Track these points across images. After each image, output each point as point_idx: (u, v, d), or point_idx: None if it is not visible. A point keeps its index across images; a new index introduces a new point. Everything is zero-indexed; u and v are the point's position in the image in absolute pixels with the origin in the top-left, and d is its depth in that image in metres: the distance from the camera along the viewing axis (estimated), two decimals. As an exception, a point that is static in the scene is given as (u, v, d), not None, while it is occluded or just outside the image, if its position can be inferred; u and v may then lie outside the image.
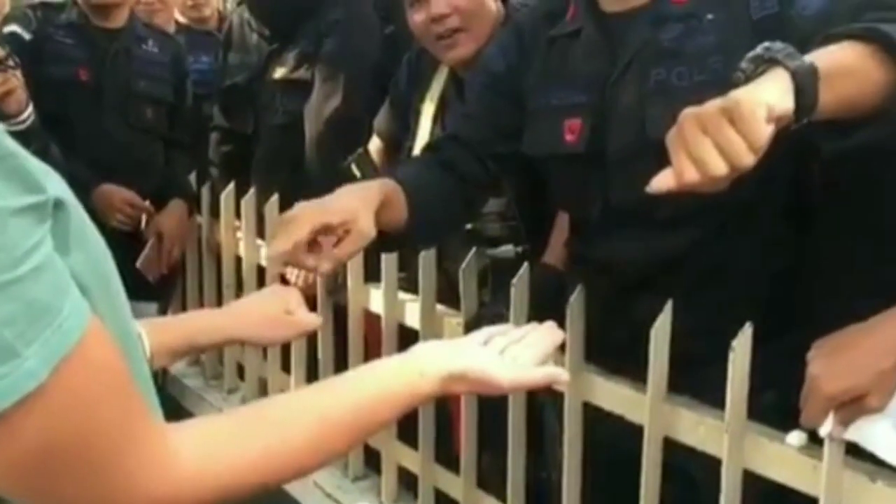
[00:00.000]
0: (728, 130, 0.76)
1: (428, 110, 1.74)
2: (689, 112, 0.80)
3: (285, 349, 1.85)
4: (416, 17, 1.63)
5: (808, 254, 1.16)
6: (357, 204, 1.07)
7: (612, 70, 1.15)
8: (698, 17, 1.10)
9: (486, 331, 0.89)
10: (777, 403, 1.08)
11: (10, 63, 1.61)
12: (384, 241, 1.20)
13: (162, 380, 2.17)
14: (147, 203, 2.18)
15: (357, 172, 1.80)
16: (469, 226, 1.61)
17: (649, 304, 1.11)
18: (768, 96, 0.78)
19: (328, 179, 1.86)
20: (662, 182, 0.81)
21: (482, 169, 1.30)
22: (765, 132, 0.76)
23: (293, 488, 1.70)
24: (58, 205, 0.50)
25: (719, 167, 0.76)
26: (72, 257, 0.51)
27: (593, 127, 1.15)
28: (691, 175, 0.78)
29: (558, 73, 1.22)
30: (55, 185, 0.51)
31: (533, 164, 1.28)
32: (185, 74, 2.33)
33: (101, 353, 0.51)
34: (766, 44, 0.84)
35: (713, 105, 0.78)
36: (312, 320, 1.14)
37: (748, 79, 0.83)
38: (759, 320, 1.04)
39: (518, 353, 0.85)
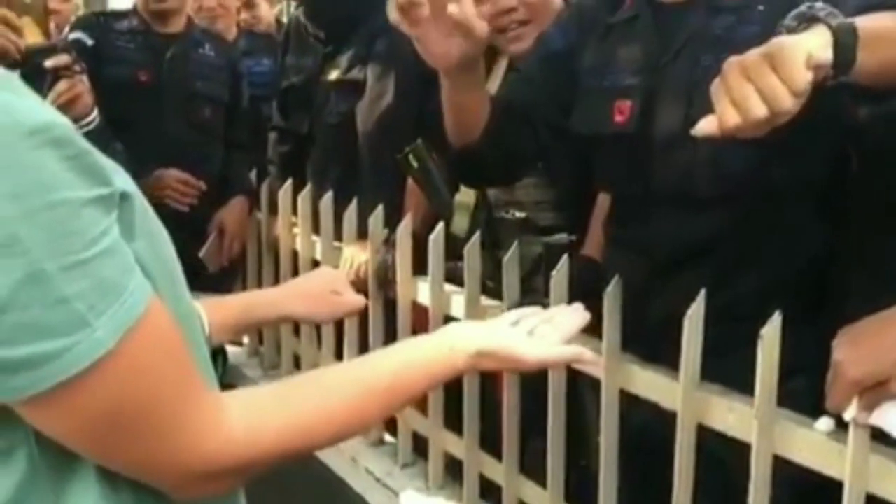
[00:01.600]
0: (769, 75, 0.80)
1: None
2: (732, 60, 0.83)
3: (338, 340, 1.93)
4: (482, 10, 1.67)
5: (840, 244, 1.18)
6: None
7: (664, 56, 1.20)
8: (750, 7, 1.14)
9: (516, 312, 0.95)
10: (807, 389, 1.10)
11: (77, 69, 1.71)
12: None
13: (222, 369, 2.27)
14: (201, 183, 2.28)
15: (414, 163, 1.87)
16: (523, 214, 1.67)
17: (683, 287, 1.15)
18: (811, 45, 0.82)
19: (380, 175, 1.96)
20: (706, 126, 0.85)
21: (528, 139, 1.33)
22: (805, 77, 0.80)
23: (346, 474, 1.78)
24: (124, 197, 0.57)
25: (760, 110, 0.80)
26: (136, 243, 0.58)
27: (642, 109, 1.20)
28: (733, 118, 0.81)
29: (613, 57, 1.27)
30: (122, 179, 0.58)
31: (579, 143, 1.33)
32: (241, 76, 2.44)
33: (162, 327, 0.58)
34: (810, 2, 0.88)
35: (756, 52, 0.82)
36: (358, 300, 1.21)
37: (791, 33, 0.87)
38: (789, 306, 1.07)
39: (546, 333, 0.91)
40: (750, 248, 1.19)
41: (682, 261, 1.23)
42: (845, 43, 0.84)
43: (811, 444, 1.04)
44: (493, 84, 1.75)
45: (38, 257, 0.51)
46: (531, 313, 0.94)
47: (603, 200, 1.48)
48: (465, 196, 1.77)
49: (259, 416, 0.65)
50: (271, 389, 0.72)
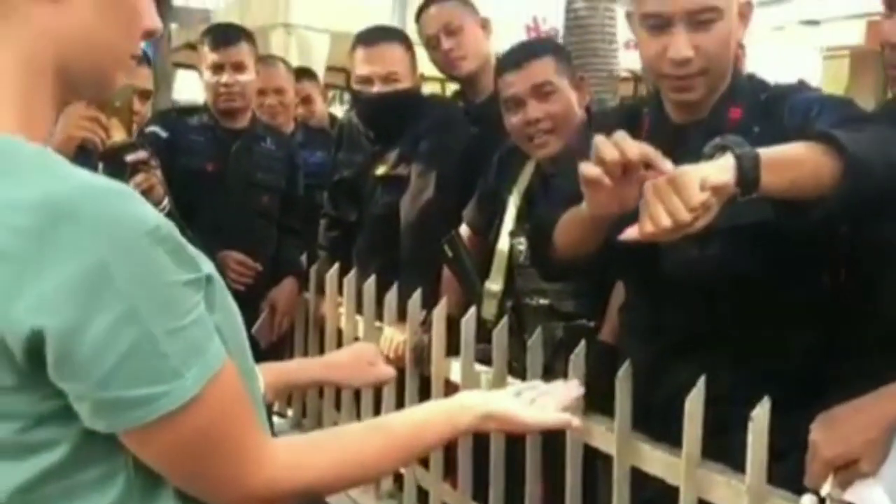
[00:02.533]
0: (672, 195, 1.00)
1: (514, 200, 1.96)
2: (648, 182, 1.03)
3: (376, 412, 2.07)
4: (514, 119, 1.85)
5: (834, 334, 1.31)
6: None
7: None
8: (747, 130, 1.31)
9: (520, 385, 1.11)
10: (799, 468, 1.21)
11: (152, 163, 1.93)
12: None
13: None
14: (258, 265, 2.46)
15: (449, 252, 2.04)
16: (547, 302, 1.82)
17: (687, 371, 1.29)
18: (706, 172, 1.01)
19: (419, 263, 2.13)
20: (630, 232, 1.05)
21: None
22: (697, 197, 0.99)
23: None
24: (208, 279, 0.74)
25: (666, 221, 1.00)
26: (216, 315, 0.75)
27: None
28: (647, 227, 1.02)
29: None
30: (207, 265, 0.75)
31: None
32: (298, 168, 2.64)
33: (232, 380, 0.74)
34: (727, 136, 1.08)
35: (664, 177, 1.02)
36: (388, 371, 1.37)
37: (709, 158, 1.06)
38: (785, 392, 1.20)
39: (544, 402, 1.05)
40: (749, 337, 1.32)
41: (687, 347, 1.36)
42: (747, 167, 1.03)
43: (799, 520, 1.15)
44: (522, 184, 1.93)
45: (150, 324, 0.67)
46: (531, 386, 1.09)
47: (618, 291, 1.63)
48: (494, 284, 1.93)
49: (300, 456, 0.81)
50: (313, 436, 0.89)
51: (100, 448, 0.71)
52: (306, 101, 3.25)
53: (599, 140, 1.08)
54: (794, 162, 1.06)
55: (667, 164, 1.04)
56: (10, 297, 0.65)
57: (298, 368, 1.34)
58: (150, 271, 0.68)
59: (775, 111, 1.29)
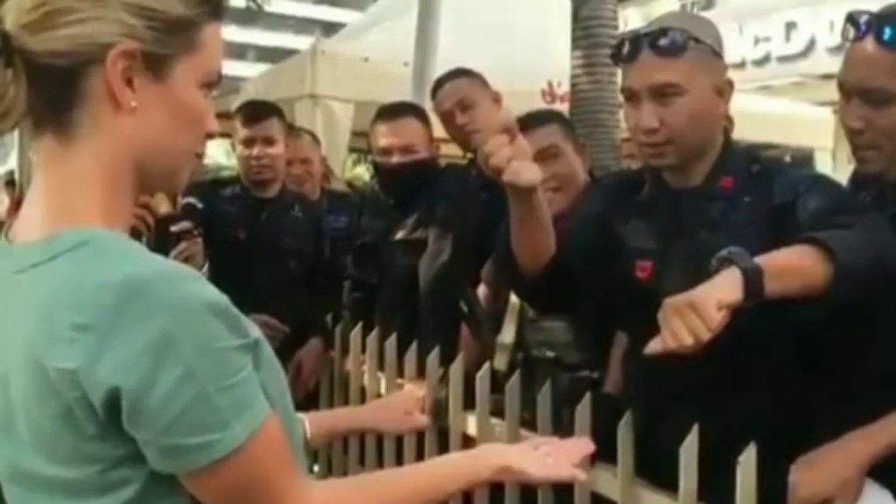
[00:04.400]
0: (691, 316, 1.14)
1: None
2: (668, 301, 1.17)
3: (399, 466, 2.17)
4: None
5: (810, 382, 1.41)
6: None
7: (671, 230, 1.50)
8: (738, 198, 1.44)
9: (537, 440, 1.22)
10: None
11: (196, 233, 2.09)
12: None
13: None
14: (286, 327, 2.58)
15: (464, 308, 2.16)
16: (553, 354, 1.93)
17: (684, 416, 1.37)
18: (721, 292, 1.14)
19: (436, 322, 2.24)
20: (654, 346, 1.19)
21: (566, 286, 1.61)
22: (716, 318, 1.13)
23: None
24: (256, 343, 0.87)
25: (688, 340, 1.14)
26: (262, 373, 0.88)
27: (659, 268, 1.49)
28: (670, 343, 1.15)
29: (634, 229, 1.57)
30: (255, 330, 0.88)
31: (606, 291, 1.62)
32: (323, 234, 2.78)
33: (275, 430, 0.86)
34: (731, 248, 1.20)
35: (683, 297, 1.16)
36: (423, 420, 1.50)
37: (717, 270, 1.19)
38: (773, 441, 1.29)
39: (557, 456, 1.17)
40: (742, 388, 1.42)
41: (683, 395, 1.47)
42: (752, 281, 1.16)
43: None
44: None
45: (205, 383, 0.80)
46: (548, 441, 1.22)
47: (620, 342, 1.74)
48: (506, 336, 2.05)
49: (338, 494, 0.94)
50: (348, 480, 1.01)
51: (165, 487, 0.84)
52: (305, 162, 3.30)
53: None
54: (791, 268, 1.19)
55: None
56: (94, 363, 0.78)
57: (343, 416, 1.52)
58: (207, 338, 0.81)
59: (766, 185, 1.42)
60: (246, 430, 0.82)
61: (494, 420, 1.90)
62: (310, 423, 1.33)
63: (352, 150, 3.76)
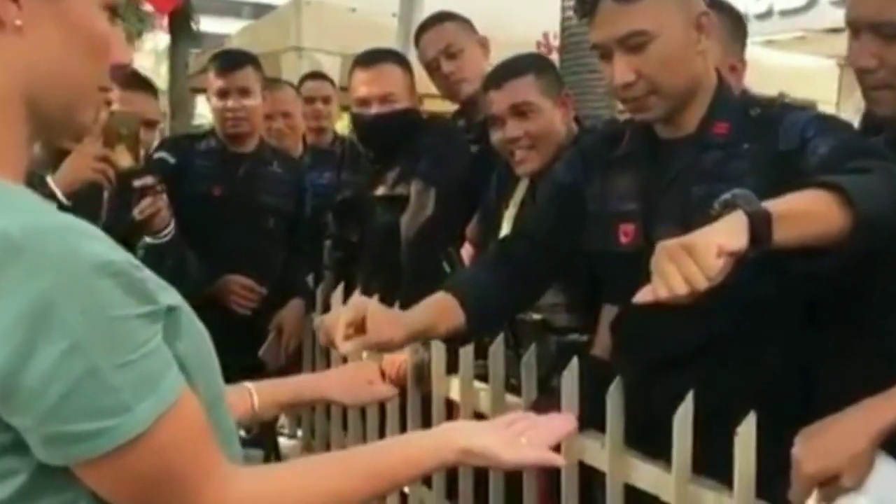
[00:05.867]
0: (688, 262, 0.99)
1: (510, 213, 1.98)
2: (662, 244, 1.02)
3: (381, 432, 2.08)
4: (495, 137, 1.91)
5: (818, 346, 1.29)
6: (396, 331, 1.34)
7: (659, 185, 1.36)
8: (735, 146, 1.30)
9: (512, 416, 1.08)
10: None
11: (159, 189, 1.97)
12: (452, 340, 1.52)
13: (275, 460, 2.43)
14: (263, 289, 2.47)
15: (447, 269, 2.05)
16: (539, 316, 1.82)
17: (678, 386, 1.28)
18: (721, 237, 1.00)
19: (419, 280, 2.13)
20: (645, 295, 1.04)
21: (545, 262, 1.52)
22: (714, 266, 0.98)
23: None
24: (171, 309, 0.75)
25: (681, 289, 1.00)
26: (179, 345, 0.76)
27: (645, 231, 1.36)
28: (662, 293, 1.01)
29: (614, 187, 1.44)
30: (170, 296, 0.76)
31: (588, 260, 1.50)
32: (305, 190, 2.65)
33: (191, 413, 0.74)
34: (735, 190, 1.06)
35: (678, 241, 1.01)
36: (386, 390, 1.38)
37: (719, 215, 1.05)
38: (774, 408, 1.19)
39: (532, 436, 1.01)
40: (737, 353, 1.31)
41: (678, 362, 1.36)
42: (759, 226, 1.01)
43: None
44: (517, 198, 1.94)
45: (95, 358, 0.68)
46: (523, 417, 1.07)
47: (609, 306, 1.62)
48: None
49: (263, 485, 0.81)
50: (285, 467, 0.89)
51: (57, 479, 0.72)
52: (318, 130, 3.26)
53: None
54: (803, 214, 1.05)
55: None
56: None
57: (300, 386, 1.35)
58: (99, 305, 0.69)
59: (768, 130, 1.29)
60: (151, 414, 0.71)
61: (479, 384, 1.80)
62: (259, 393, 1.20)
63: (342, 108, 3.61)
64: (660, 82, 1.28)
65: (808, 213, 1.04)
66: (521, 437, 0.98)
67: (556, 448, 1.03)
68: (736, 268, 1.01)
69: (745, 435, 1.17)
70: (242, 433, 1.25)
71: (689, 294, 0.99)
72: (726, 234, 1.00)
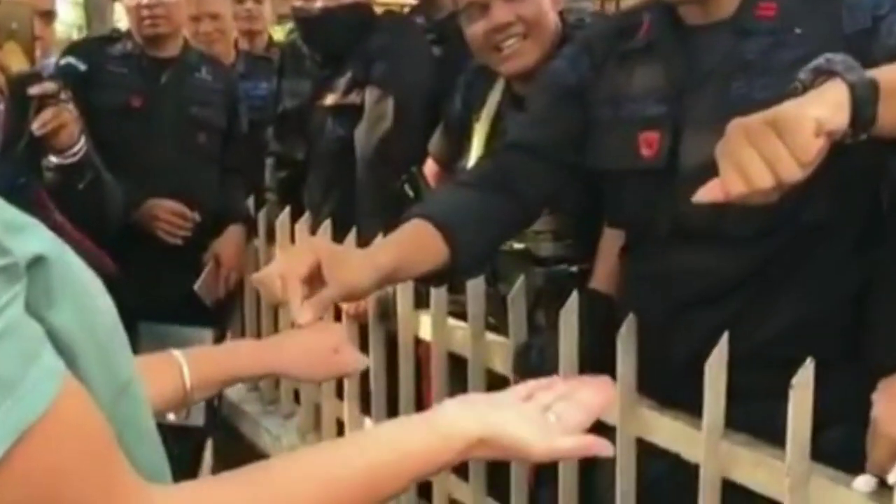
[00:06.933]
0: (775, 143, 0.76)
1: (482, 128, 1.72)
2: (735, 123, 0.79)
3: (365, 399, 1.83)
4: (476, 29, 1.59)
5: (876, 278, 1.09)
6: (359, 276, 1.05)
7: (690, 82, 1.11)
8: (785, 31, 1.06)
9: (530, 384, 0.81)
10: (844, 441, 1.01)
11: (62, 96, 1.64)
12: (429, 281, 1.24)
13: (218, 404, 2.19)
14: (195, 214, 2.20)
15: (410, 192, 1.80)
16: (521, 245, 1.57)
17: (707, 328, 1.07)
18: (819, 110, 0.76)
19: (378, 203, 1.88)
20: (709, 193, 0.81)
21: (544, 178, 1.26)
22: (813, 147, 0.75)
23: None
24: (36, 262, 0.48)
25: (765, 180, 0.76)
26: (55, 313, 0.49)
27: (671, 140, 1.11)
28: (738, 187, 0.78)
29: (631, 87, 1.18)
30: (37, 241, 0.49)
31: (596, 179, 1.24)
32: (239, 100, 2.37)
33: (74, 419, 0.48)
34: (827, 55, 0.82)
35: (761, 116, 0.77)
36: (357, 360, 1.11)
37: (805, 90, 0.81)
38: (822, 350, 0.98)
39: (562, 412, 0.76)
40: (780, 286, 1.09)
41: (706, 299, 1.14)
42: (863, 101, 0.79)
43: (850, 505, 0.94)
44: (490, 108, 1.68)
45: None
46: (546, 385, 0.80)
47: (611, 230, 1.39)
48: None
49: None
50: (220, 486, 0.59)
51: None
52: (250, 34, 2.93)
53: None
54: None
55: None
56: None
57: (240, 357, 1.03)
58: None
59: (827, 9, 1.04)
60: (9, 432, 0.45)
61: (453, 322, 1.57)
62: (192, 367, 0.90)
63: (280, 17, 3.24)
64: None
65: None
66: (549, 412, 0.74)
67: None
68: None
69: (802, 387, 0.96)
70: (171, 418, 0.95)
71: (775, 188, 0.77)
72: (825, 107, 0.77)
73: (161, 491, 0.55)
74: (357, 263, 1.07)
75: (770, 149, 0.75)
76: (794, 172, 0.76)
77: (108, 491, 0.50)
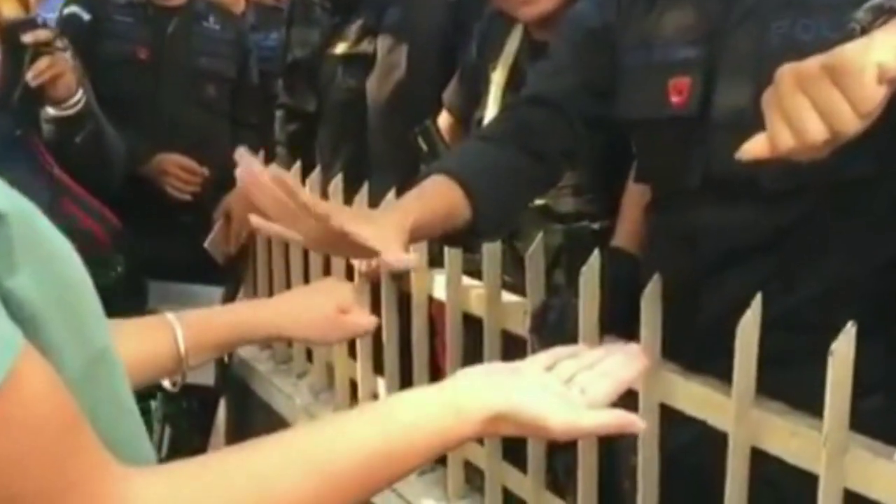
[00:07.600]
0: (831, 91, 0.67)
1: (499, 78, 1.65)
2: (786, 69, 0.71)
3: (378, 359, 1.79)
4: None
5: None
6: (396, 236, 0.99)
7: (726, 22, 1.03)
8: None
9: (553, 352, 0.76)
10: (884, 410, 0.97)
11: (59, 45, 1.58)
12: (446, 242, 1.20)
13: (228, 362, 2.16)
14: (205, 169, 2.17)
15: (423, 146, 1.73)
16: (541, 201, 1.51)
17: (739, 288, 1.00)
18: (882, 54, 0.68)
19: (392, 155, 1.83)
20: (755, 148, 0.73)
21: (565, 131, 1.19)
22: (874, 95, 0.67)
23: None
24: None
25: (819, 133, 0.68)
26: (17, 277, 0.44)
27: (704, 86, 1.04)
28: (786, 141, 0.70)
29: (661, 29, 1.10)
30: None
31: (624, 130, 1.17)
32: (249, 51, 2.33)
33: (31, 399, 0.42)
34: None
35: (815, 61, 0.69)
36: (368, 321, 1.06)
37: (864, 31, 0.73)
38: (862, 313, 0.91)
39: (588, 384, 0.71)
40: (818, 244, 1.03)
41: (738, 257, 1.07)
42: None
43: (890, 478, 0.88)
44: (508, 57, 1.60)
45: None
46: (570, 353, 0.75)
47: (636, 185, 1.32)
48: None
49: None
50: (202, 468, 0.54)
51: None
52: None
53: None
54: None
55: None
56: None
57: (242, 321, 0.98)
58: None
59: None
60: None
61: (469, 281, 1.52)
62: (186, 333, 0.85)
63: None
64: None
65: None
66: (573, 385, 0.68)
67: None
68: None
69: (842, 353, 0.89)
70: (166, 384, 0.89)
71: (828, 142, 0.69)
72: (890, 51, 0.68)
73: (140, 476, 0.49)
74: (392, 223, 1.01)
75: (825, 98, 0.67)
76: (852, 125, 0.68)
77: (73, 482, 0.44)
